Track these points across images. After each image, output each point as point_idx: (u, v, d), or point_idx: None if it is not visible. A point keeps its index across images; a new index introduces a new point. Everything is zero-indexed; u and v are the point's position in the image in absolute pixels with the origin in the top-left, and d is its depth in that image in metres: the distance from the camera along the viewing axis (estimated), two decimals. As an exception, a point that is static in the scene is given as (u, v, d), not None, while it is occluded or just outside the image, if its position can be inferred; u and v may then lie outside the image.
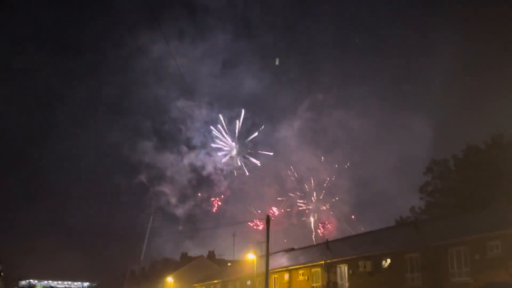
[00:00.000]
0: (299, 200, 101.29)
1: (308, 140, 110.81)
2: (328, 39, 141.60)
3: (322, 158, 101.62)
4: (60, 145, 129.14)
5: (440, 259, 30.94)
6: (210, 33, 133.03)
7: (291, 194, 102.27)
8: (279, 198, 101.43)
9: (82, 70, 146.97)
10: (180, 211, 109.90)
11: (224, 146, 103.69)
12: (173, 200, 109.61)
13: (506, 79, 70.53)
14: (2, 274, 43.16)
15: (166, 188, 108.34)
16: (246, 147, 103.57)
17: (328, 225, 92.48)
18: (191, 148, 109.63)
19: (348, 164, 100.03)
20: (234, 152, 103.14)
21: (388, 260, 35.42)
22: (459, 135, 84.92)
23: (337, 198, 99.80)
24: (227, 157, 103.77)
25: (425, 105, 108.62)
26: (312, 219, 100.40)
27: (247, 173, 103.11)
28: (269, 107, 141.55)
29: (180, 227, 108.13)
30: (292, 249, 57.68)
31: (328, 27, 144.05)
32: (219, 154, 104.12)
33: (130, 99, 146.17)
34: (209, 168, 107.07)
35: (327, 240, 49.08)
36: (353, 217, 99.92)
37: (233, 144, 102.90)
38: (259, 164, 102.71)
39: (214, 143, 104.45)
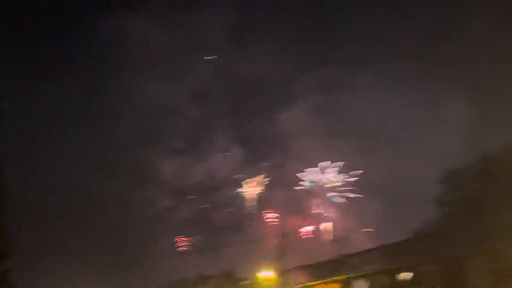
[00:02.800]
0: (314, 207, 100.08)
1: (318, 129, 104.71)
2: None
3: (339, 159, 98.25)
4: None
5: (459, 270, 30.25)
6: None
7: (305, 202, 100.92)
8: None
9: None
10: (193, 228, 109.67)
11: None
12: (187, 214, 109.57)
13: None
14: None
15: (180, 202, 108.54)
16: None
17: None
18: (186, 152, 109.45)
19: (362, 168, 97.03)
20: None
21: (406, 274, 34.70)
22: (475, 141, 79.95)
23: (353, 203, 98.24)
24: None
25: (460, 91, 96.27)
26: (329, 229, 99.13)
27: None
28: (269, 89, 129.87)
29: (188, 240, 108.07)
30: (309, 265, 56.92)
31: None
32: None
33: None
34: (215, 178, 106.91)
35: (343, 254, 48.34)
36: (368, 230, 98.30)
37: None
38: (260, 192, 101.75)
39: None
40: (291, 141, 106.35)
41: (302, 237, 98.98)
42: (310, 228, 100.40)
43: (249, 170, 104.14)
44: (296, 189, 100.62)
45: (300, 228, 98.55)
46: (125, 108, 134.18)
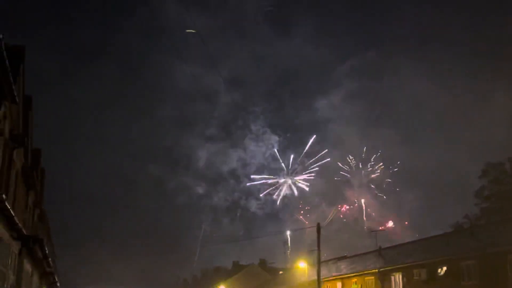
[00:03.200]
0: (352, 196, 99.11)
1: (356, 116, 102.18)
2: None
3: (378, 152, 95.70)
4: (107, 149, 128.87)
5: (498, 267, 29.81)
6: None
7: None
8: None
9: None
10: (229, 219, 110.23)
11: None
12: (224, 205, 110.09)
13: None
14: (58, 285, 44.11)
15: (217, 195, 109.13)
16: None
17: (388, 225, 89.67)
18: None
19: (399, 162, 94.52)
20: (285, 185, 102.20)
21: (444, 268, 34.40)
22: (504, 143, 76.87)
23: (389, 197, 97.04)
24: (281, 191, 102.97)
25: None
26: (365, 222, 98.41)
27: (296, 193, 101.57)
28: (306, 75, 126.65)
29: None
30: (345, 257, 56.91)
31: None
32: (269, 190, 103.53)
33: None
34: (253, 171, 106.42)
35: (380, 247, 48.16)
36: (407, 223, 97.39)
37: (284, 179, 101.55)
38: (307, 189, 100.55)
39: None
40: (329, 129, 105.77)
41: (340, 227, 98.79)
42: (348, 218, 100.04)
43: (286, 158, 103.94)
44: (335, 179, 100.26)
45: (339, 218, 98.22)
46: (160, 93, 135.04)
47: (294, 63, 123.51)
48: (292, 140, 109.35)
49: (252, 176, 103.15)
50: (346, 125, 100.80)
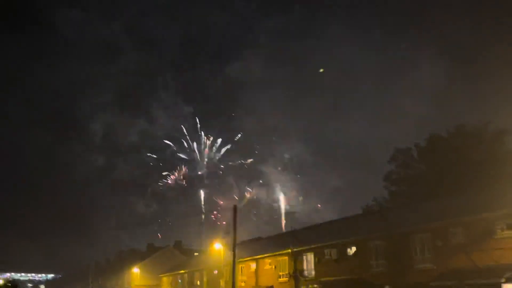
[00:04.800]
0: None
1: (275, 82, 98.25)
2: None
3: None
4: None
5: (404, 246, 31.53)
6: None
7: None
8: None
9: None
10: (144, 202, 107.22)
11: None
12: (132, 183, 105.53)
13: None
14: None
15: (129, 174, 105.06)
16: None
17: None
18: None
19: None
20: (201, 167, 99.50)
21: (353, 248, 35.93)
22: (423, 123, 79.25)
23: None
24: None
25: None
26: (281, 205, 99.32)
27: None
28: (221, 35, 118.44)
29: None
30: (259, 238, 57.89)
31: None
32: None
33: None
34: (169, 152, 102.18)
35: (293, 228, 49.35)
36: (319, 205, 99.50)
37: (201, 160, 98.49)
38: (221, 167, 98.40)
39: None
40: (243, 96, 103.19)
41: (256, 209, 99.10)
42: (264, 199, 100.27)
43: (196, 129, 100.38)
44: (250, 158, 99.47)
45: (252, 199, 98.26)
46: (45, 48, 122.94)
47: (209, 21, 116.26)
48: (206, 109, 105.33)
49: (153, 156, 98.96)
50: (267, 92, 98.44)
